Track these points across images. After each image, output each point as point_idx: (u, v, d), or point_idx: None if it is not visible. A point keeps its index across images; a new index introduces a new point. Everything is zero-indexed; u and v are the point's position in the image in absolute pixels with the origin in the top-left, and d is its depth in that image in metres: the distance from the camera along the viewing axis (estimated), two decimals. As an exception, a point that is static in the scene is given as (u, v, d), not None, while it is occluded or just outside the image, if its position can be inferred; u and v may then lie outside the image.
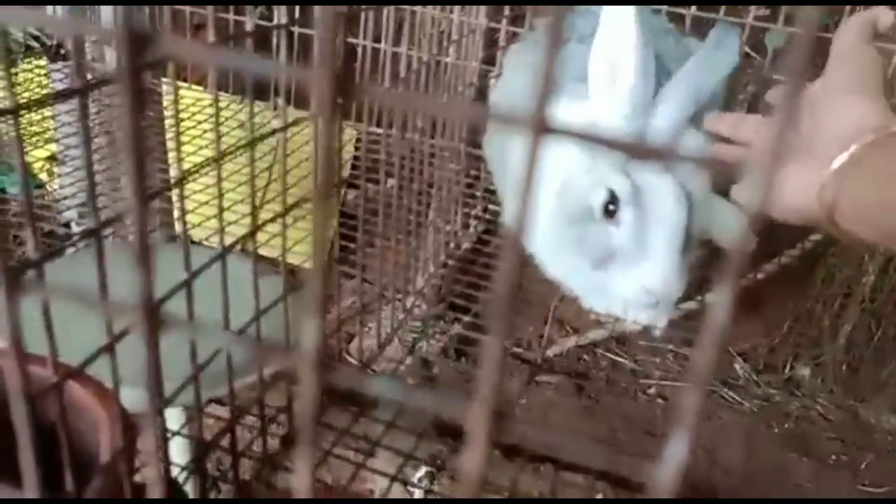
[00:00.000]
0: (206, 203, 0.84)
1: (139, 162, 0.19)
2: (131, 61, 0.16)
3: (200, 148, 0.97)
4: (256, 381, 0.59)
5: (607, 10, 0.71)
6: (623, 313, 0.76)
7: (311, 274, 0.18)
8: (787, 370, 1.46)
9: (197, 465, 0.52)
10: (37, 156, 0.97)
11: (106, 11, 0.94)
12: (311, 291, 0.18)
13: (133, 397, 0.48)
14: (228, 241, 0.50)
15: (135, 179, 0.19)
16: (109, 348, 0.41)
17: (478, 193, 0.97)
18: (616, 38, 0.70)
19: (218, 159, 0.48)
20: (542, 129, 0.16)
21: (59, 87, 0.97)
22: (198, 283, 0.47)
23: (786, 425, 1.37)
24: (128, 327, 0.41)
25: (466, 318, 0.86)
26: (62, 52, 0.94)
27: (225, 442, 0.57)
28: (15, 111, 0.33)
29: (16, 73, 1.02)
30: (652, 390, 1.44)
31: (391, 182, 0.80)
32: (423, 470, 1.07)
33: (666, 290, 0.71)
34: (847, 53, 0.62)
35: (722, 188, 0.76)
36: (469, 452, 0.18)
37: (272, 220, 0.55)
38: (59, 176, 0.93)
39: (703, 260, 0.82)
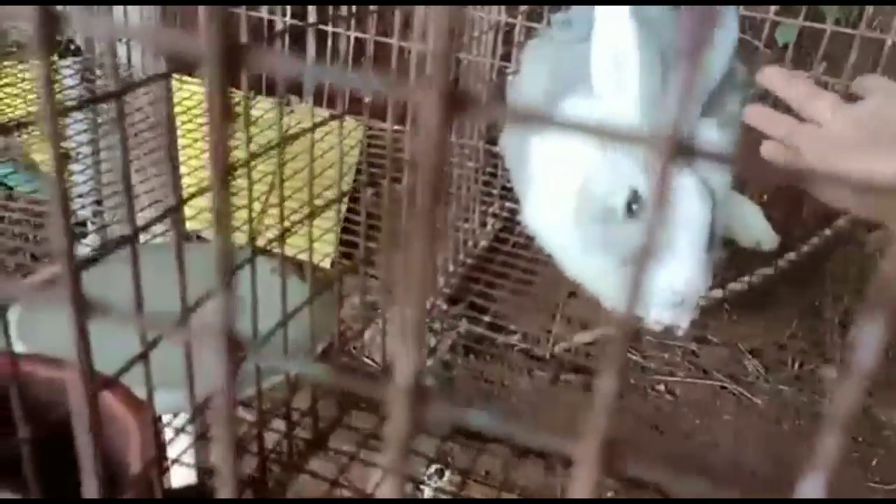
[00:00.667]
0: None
1: (222, 178, 0.18)
2: (222, 78, 0.15)
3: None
4: (283, 383, 0.58)
5: (601, 9, 0.70)
6: (646, 313, 0.75)
7: (407, 298, 0.17)
8: (796, 367, 1.45)
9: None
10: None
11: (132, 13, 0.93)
12: (409, 319, 0.17)
13: (162, 401, 0.47)
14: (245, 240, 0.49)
15: (217, 195, 0.18)
16: (143, 356, 0.40)
17: (494, 191, 0.96)
18: (615, 36, 0.70)
19: (248, 161, 0.47)
20: (676, 151, 0.15)
21: (69, 82, 0.95)
22: (200, 278, 0.45)
23: (796, 422, 1.36)
24: (159, 336, 0.40)
25: (486, 319, 0.85)
26: (72, 48, 0.93)
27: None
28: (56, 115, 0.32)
29: (26, 70, 1.00)
30: (661, 387, 1.44)
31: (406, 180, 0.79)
32: (432, 467, 1.06)
33: (691, 290, 0.70)
34: None
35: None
36: (577, 487, 0.17)
37: (299, 221, 0.54)
38: (73, 174, 0.92)
39: (724, 259, 0.81)
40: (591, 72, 0.71)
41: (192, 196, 0.41)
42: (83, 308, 0.18)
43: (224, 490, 0.20)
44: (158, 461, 0.45)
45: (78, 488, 0.44)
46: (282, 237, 0.52)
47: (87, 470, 0.22)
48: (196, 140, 0.95)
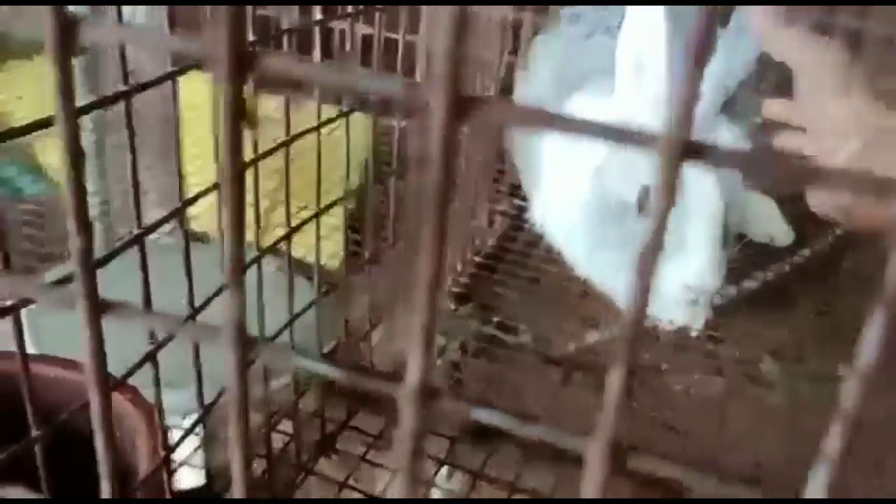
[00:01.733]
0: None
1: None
2: (233, 83, 0.15)
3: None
4: (290, 385, 0.58)
5: (632, 8, 0.69)
6: (660, 312, 0.75)
7: (417, 294, 0.17)
8: (812, 365, 1.44)
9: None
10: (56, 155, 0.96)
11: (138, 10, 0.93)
12: (419, 314, 0.17)
13: (171, 402, 0.47)
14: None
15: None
16: (152, 356, 0.40)
17: (502, 189, 0.96)
18: (643, 32, 0.69)
19: (255, 160, 0.47)
20: (684, 151, 0.14)
21: (76, 79, 0.95)
22: (206, 279, 0.44)
23: (814, 419, 1.35)
24: (168, 337, 0.40)
25: (496, 318, 0.85)
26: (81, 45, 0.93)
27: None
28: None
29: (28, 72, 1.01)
30: (677, 387, 1.43)
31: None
32: (442, 469, 1.06)
33: (705, 287, 0.70)
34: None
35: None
36: (587, 486, 0.17)
37: (307, 220, 0.53)
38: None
39: (738, 254, 0.80)
40: (616, 66, 0.70)
41: (199, 196, 0.41)
42: (97, 306, 0.18)
43: (236, 488, 0.20)
44: (167, 462, 0.45)
45: (87, 485, 0.43)
46: (289, 236, 0.51)
47: (104, 473, 0.22)
48: (201, 137, 0.95)
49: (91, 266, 0.18)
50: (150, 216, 0.57)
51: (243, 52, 0.15)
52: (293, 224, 0.52)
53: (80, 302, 0.18)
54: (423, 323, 0.17)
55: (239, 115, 0.17)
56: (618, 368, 0.17)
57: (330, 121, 0.52)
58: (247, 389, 0.19)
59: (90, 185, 0.94)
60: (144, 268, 0.37)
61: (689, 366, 1.36)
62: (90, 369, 0.19)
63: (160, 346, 0.40)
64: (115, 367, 0.40)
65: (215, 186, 0.42)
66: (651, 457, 0.17)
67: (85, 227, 0.18)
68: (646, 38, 0.69)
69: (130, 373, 0.39)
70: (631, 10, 0.69)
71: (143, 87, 0.33)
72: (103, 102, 0.31)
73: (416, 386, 0.18)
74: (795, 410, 1.33)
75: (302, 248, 0.61)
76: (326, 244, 0.69)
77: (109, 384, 0.38)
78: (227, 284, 0.17)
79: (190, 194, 0.42)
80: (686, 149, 0.15)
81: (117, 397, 0.45)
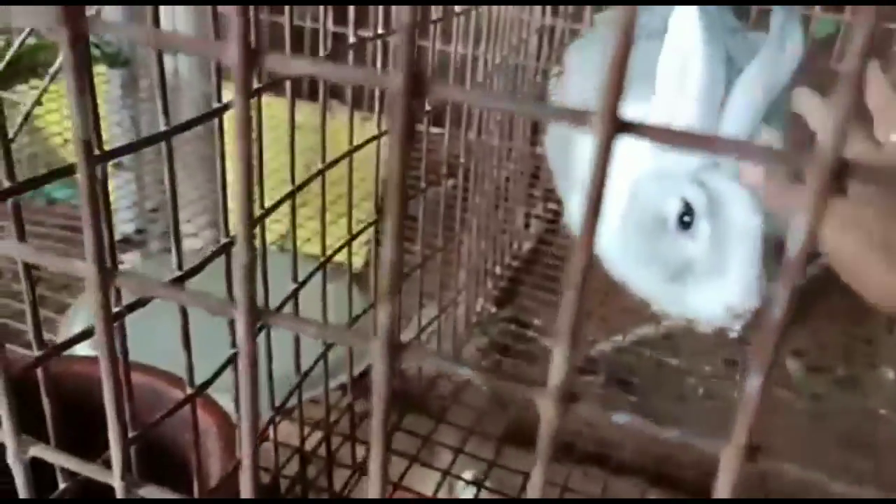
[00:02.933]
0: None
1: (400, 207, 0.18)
2: (406, 105, 0.16)
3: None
4: (347, 383, 0.59)
5: (676, 13, 0.69)
6: (697, 319, 0.75)
7: (564, 303, 0.18)
8: (840, 370, 1.44)
9: (301, 474, 0.53)
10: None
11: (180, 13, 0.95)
12: (564, 320, 0.18)
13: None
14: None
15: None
16: (233, 362, 0.41)
17: (537, 193, 0.97)
18: (684, 41, 0.69)
19: (323, 170, 0.48)
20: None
21: (115, 92, 0.97)
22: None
23: (841, 424, 1.35)
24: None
25: (537, 321, 0.86)
26: (122, 58, 0.95)
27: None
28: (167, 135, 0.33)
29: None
30: (701, 391, 1.43)
31: (452, 182, 0.80)
32: (471, 473, 1.06)
33: (746, 306, 0.69)
34: None
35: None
36: (720, 487, 0.18)
37: (365, 228, 0.55)
38: (117, 188, 0.93)
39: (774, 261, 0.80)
40: (657, 75, 0.71)
41: (273, 207, 0.42)
42: (255, 313, 0.19)
43: (373, 489, 0.21)
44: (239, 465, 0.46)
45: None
46: (349, 243, 0.53)
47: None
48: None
49: (253, 274, 0.19)
50: (191, 226, 0.56)
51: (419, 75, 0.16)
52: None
53: (240, 308, 0.19)
54: (567, 327, 0.18)
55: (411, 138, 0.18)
56: (757, 369, 0.18)
57: (373, 139, 0.53)
58: (391, 390, 0.20)
59: (126, 201, 0.95)
60: (229, 275, 0.38)
61: (712, 369, 1.36)
62: (244, 362, 0.20)
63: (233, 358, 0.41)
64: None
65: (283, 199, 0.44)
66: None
67: (251, 239, 0.19)
68: (686, 45, 0.69)
69: (211, 380, 0.40)
70: (673, 19, 0.69)
71: (186, 126, 0.34)
72: (139, 145, 0.32)
73: (558, 389, 0.19)
74: (820, 414, 1.33)
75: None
76: (355, 259, 0.70)
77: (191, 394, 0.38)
78: (380, 297, 0.19)
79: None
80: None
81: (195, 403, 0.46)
